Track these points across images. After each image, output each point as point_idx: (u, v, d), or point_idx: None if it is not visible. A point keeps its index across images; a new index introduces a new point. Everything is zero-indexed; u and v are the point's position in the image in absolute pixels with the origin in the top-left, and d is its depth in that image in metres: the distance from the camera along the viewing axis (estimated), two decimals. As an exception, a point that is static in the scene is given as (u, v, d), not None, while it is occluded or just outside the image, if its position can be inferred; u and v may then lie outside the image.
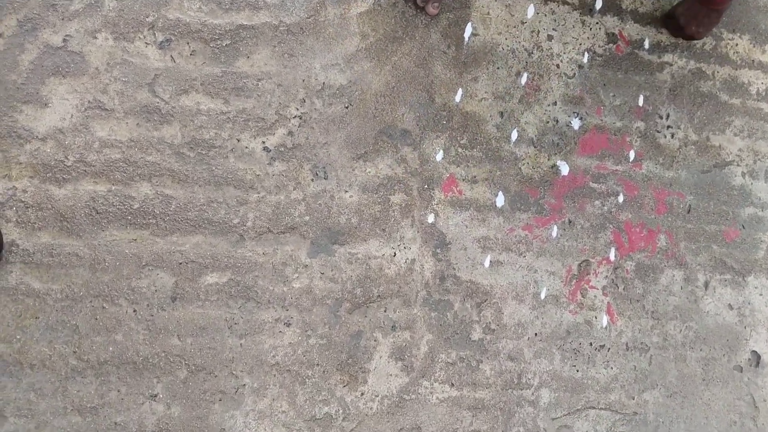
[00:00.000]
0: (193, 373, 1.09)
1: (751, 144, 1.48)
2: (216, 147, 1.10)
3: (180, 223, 1.08)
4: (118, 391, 1.06)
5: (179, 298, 1.08)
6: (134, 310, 1.07)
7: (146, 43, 1.07)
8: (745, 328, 1.47)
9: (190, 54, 1.09)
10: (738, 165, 1.47)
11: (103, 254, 1.06)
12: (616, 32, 1.35)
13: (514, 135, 1.28)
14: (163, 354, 1.08)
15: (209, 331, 1.10)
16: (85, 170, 1.05)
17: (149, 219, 1.07)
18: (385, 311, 1.20)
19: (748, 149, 1.48)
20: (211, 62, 1.10)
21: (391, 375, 1.19)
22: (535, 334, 1.30)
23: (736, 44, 1.47)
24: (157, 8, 1.07)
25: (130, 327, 1.07)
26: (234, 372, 1.10)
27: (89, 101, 1.05)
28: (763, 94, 1.48)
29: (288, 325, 1.13)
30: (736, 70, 1.47)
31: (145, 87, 1.07)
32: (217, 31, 1.10)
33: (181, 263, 1.08)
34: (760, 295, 1.49)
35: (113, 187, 1.06)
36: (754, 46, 1.50)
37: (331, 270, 1.16)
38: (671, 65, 1.40)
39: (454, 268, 1.25)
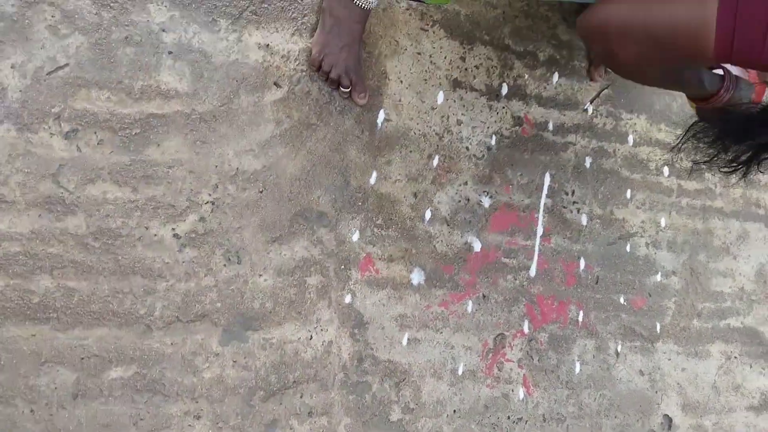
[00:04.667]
0: (95, 475, 1.01)
1: (653, 216, 1.53)
2: (123, 236, 1.05)
3: (83, 316, 1.02)
4: (11, 499, 0.97)
5: (81, 395, 1.01)
6: (31, 410, 0.99)
7: (51, 133, 1.03)
8: (656, 392, 1.48)
9: (98, 143, 1.05)
10: (642, 236, 1.51)
11: (-1, 352, 0.98)
12: (522, 115, 1.39)
13: (428, 214, 1.29)
14: (62, 455, 1.00)
15: (113, 429, 1.02)
16: (-20, 265, 0.98)
17: (50, 313, 1.00)
18: (301, 397, 1.15)
19: (650, 221, 1.53)
20: (119, 151, 1.06)
21: (307, 462, 1.14)
22: (454, 411, 1.27)
23: (635, 123, 1.54)
24: (64, 99, 1.04)
25: (27, 428, 0.98)
26: (139, 471, 1.03)
27: (-12, 193, 0.99)
28: (661, 169, 1.55)
29: (198, 417, 1.07)
30: (636, 147, 1.54)
31: (49, 178, 1.02)
32: (126, 120, 1.07)
33: (83, 358, 1.01)
34: (669, 359, 1.51)
35: (11, 282, 0.99)
36: (650, 125, 1.56)
37: (244, 357, 1.11)
38: (574, 144, 1.45)
39: (372, 348, 1.22)
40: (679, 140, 0.87)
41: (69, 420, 1.00)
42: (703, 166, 0.85)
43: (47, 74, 1.03)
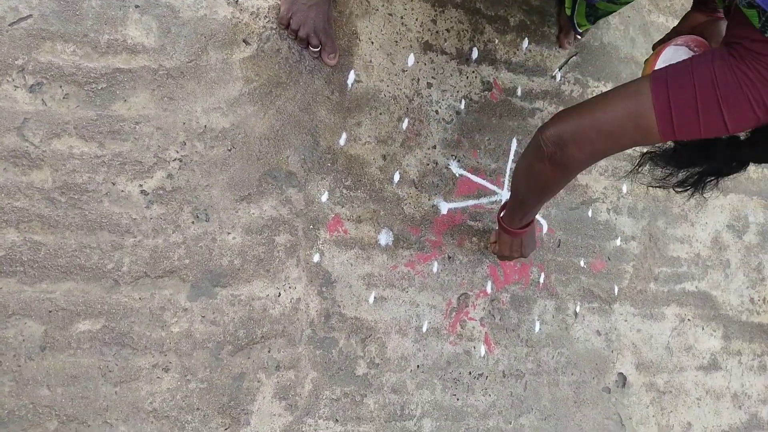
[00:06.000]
0: (64, 424, 1.03)
1: (615, 183, 1.58)
2: (89, 191, 1.06)
3: (50, 270, 1.03)
4: (-20, 447, 0.99)
5: (49, 347, 1.03)
6: (-1, 362, 1.00)
7: (15, 86, 1.02)
8: (612, 352, 1.56)
9: (63, 97, 1.04)
10: (603, 202, 1.56)
11: (-36, 304, 0.99)
12: (491, 80, 1.42)
13: (397, 177, 1.31)
14: (31, 405, 1.01)
15: (81, 380, 1.04)
16: (-56, 217, 0.98)
17: (16, 266, 1.01)
18: (269, 351, 1.18)
19: (612, 187, 1.58)
20: (85, 106, 1.06)
21: (274, 415, 1.18)
22: (418, 366, 1.32)
23: (602, 91, 1.58)
24: (28, 51, 1.02)
25: (-6, 379, 1.00)
26: (108, 420, 1.05)
27: (-50, 145, 0.98)
28: (625, 136, 1.59)
29: (166, 370, 1.10)
30: (602, 114, 1.57)
31: (14, 131, 1.01)
32: (92, 75, 1.06)
33: (51, 311, 1.03)
34: (625, 321, 1.58)
35: (-24, 234, 0.99)
36: (617, 93, 1.60)
37: (213, 313, 1.14)
38: (542, 111, 1.48)
39: (340, 306, 1.26)
40: (635, 165, 1.00)
41: (37, 371, 1.02)
42: (657, 186, 1.01)
43: (9, 25, 1.01)
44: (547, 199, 1.12)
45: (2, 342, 1.00)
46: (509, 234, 1.23)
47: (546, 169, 0.98)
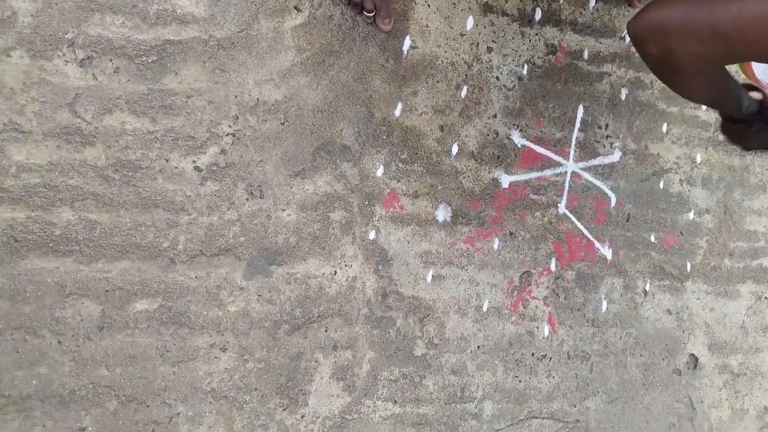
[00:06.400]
0: (124, 404, 1.03)
1: (689, 151, 1.48)
2: (143, 168, 1.03)
3: (105, 249, 1.01)
4: (44, 426, 0.99)
5: (107, 327, 1.02)
6: (59, 341, 1.00)
7: (66, 60, 0.99)
8: (683, 332, 1.47)
9: (114, 71, 1.01)
10: (676, 173, 1.46)
11: (24, 284, 0.98)
12: (556, 43, 1.32)
13: (455, 149, 1.25)
14: (90, 385, 1.01)
15: (139, 360, 1.03)
16: (1, 197, 0.97)
17: (72, 246, 1.00)
18: (326, 331, 1.15)
19: (685, 157, 1.47)
20: (136, 79, 1.03)
21: (332, 395, 1.15)
22: (478, 347, 1.27)
23: (674, 53, 1.46)
24: (77, 24, 1.00)
25: (55, 359, 1.00)
26: (167, 401, 1.04)
27: (4, 123, 0.96)
28: (700, 102, 1.48)
29: (224, 350, 1.08)
30: (674, 78, 1.46)
31: (66, 107, 0.99)
32: (142, 47, 1.03)
33: (107, 291, 1.01)
34: (698, 299, 1.49)
35: (32, 214, 0.98)
36: (690, 55, 1.49)
37: (269, 291, 1.11)
38: (610, 75, 1.38)
39: (396, 284, 1.21)
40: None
41: (96, 351, 1.01)
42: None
43: (58, -3, 0.99)
44: (697, 98, 0.93)
45: (61, 322, 0.99)
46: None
47: (651, 69, 0.80)
